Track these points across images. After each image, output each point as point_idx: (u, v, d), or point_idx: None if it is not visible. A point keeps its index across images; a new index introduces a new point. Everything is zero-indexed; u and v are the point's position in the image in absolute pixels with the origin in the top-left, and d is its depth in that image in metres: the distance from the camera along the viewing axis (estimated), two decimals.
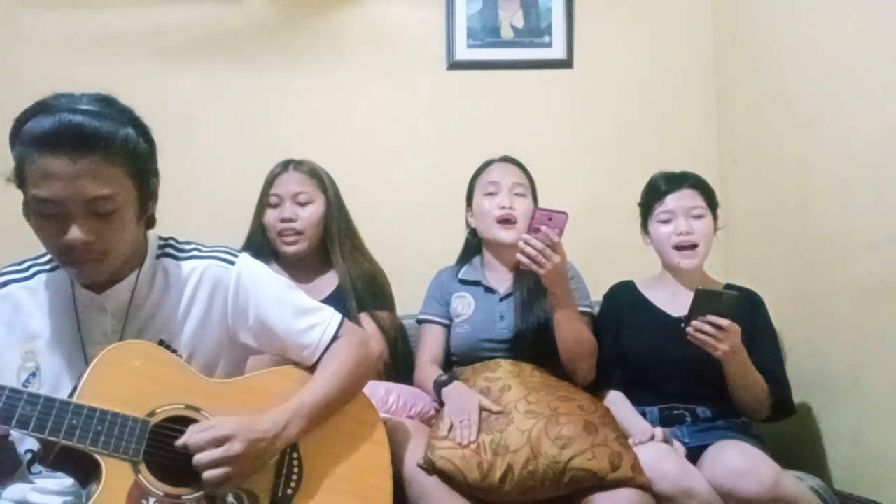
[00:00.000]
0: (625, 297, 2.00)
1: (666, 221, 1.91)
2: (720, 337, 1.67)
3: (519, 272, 1.94)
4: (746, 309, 1.87)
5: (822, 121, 1.97)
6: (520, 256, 1.73)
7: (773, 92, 2.21)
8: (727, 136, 2.53)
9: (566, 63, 2.57)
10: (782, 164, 2.16)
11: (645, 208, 1.99)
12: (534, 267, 1.73)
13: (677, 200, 1.91)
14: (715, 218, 1.95)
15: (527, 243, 1.72)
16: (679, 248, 1.90)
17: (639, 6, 2.60)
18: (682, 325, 1.79)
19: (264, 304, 1.37)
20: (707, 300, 1.68)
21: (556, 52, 2.57)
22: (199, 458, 1.17)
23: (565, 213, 1.73)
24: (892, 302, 1.69)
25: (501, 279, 1.99)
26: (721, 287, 1.94)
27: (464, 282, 2.01)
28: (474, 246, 2.07)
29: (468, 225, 2.06)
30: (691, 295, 1.88)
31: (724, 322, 1.67)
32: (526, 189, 1.98)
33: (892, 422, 1.69)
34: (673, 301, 1.95)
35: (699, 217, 1.91)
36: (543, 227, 1.72)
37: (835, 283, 1.91)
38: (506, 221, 1.93)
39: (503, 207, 1.93)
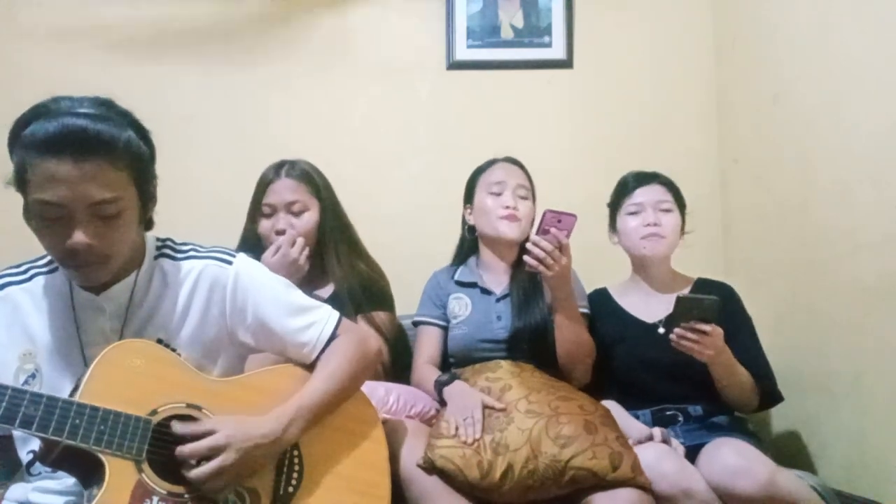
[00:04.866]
0: (600, 306, 2.00)
1: (634, 213, 1.93)
2: (704, 342, 1.67)
3: (515, 272, 1.94)
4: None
5: (822, 121, 1.97)
6: (527, 258, 1.73)
7: (773, 92, 2.21)
8: (727, 136, 2.53)
9: (566, 63, 2.57)
10: (782, 163, 2.16)
11: (613, 205, 2.01)
12: (541, 268, 1.73)
13: (646, 194, 1.94)
14: (683, 218, 1.96)
15: (536, 244, 1.72)
16: (647, 237, 1.91)
17: (639, 6, 2.60)
18: (662, 330, 1.81)
19: (262, 303, 1.37)
20: (688, 306, 1.67)
21: (556, 52, 2.57)
22: (194, 475, 1.17)
23: (574, 216, 1.73)
24: (892, 302, 1.69)
25: (497, 280, 1.98)
26: (692, 282, 1.95)
27: (460, 283, 2.00)
28: (469, 244, 2.07)
29: (465, 223, 2.06)
30: (663, 298, 1.92)
31: (707, 327, 1.66)
32: (528, 192, 1.99)
33: (892, 421, 1.69)
34: (646, 306, 1.95)
35: (667, 211, 1.93)
36: (552, 229, 1.72)
37: (835, 283, 1.91)
38: (510, 218, 1.92)
39: (507, 207, 1.92)
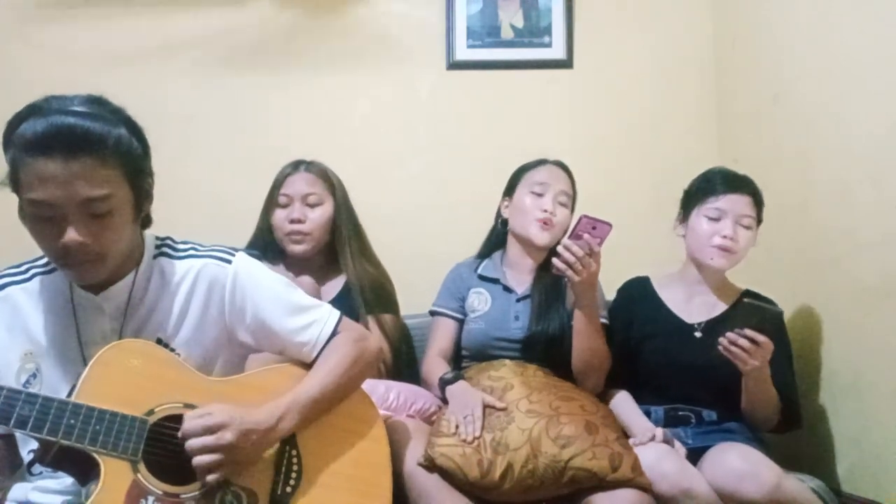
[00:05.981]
0: (639, 294, 1.97)
1: (714, 219, 1.85)
2: (753, 352, 1.64)
3: (539, 274, 1.93)
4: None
5: (822, 120, 1.96)
6: (556, 261, 1.72)
7: (773, 92, 2.21)
8: (727, 136, 2.53)
9: (566, 63, 2.56)
10: (782, 163, 2.16)
11: (693, 198, 1.92)
12: (569, 273, 1.71)
13: (734, 203, 1.85)
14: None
15: (567, 249, 1.71)
16: (718, 248, 1.84)
17: (639, 6, 2.60)
18: (699, 334, 1.82)
19: (262, 303, 1.36)
20: (750, 313, 1.65)
21: (556, 52, 2.56)
22: (190, 443, 1.17)
23: (610, 224, 1.70)
24: (893, 302, 1.69)
25: (521, 279, 1.97)
26: (739, 292, 1.92)
27: (483, 278, 1.99)
28: (498, 237, 2.05)
29: (499, 215, 2.04)
30: (707, 300, 1.90)
31: (762, 338, 1.64)
32: (569, 199, 1.96)
33: (892, 421, 1.69)
34: (688, 305, 1.92)
35: (747, 227, 1.86)
36: (586, 235, 1.70)
37: (835, 282, 1.90)
38: (544, 224, 1.91)
39: (545, 210, 1.90)
